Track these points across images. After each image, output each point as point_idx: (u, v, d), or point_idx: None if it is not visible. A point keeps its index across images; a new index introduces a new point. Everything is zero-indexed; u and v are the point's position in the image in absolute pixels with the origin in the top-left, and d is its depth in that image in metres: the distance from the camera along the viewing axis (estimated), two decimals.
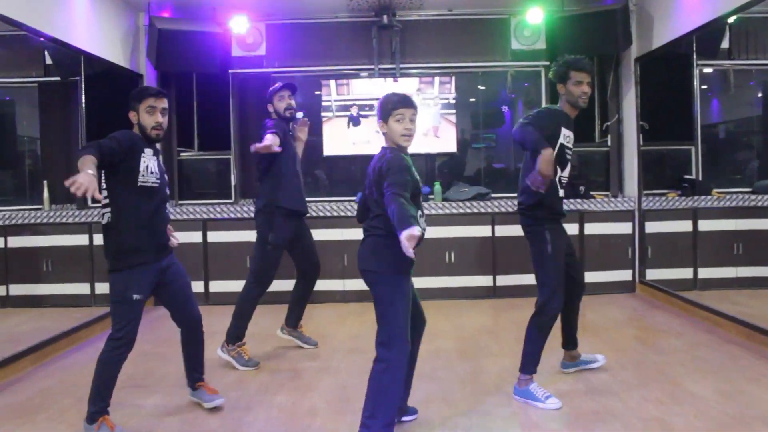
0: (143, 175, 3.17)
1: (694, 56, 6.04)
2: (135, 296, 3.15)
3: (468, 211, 6.28)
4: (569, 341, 3.93)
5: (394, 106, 2.87)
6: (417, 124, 2.93)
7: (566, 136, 3.56)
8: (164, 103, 3.29)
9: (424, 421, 3.28)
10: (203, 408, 3.50)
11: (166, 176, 3.37)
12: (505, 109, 7.25)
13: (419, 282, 6.26)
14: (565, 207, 3.69)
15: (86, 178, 2.63)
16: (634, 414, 3.27)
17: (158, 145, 3.33)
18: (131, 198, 3.16)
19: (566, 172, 3.62)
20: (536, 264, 3.60)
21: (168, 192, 3.39)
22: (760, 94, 6.69)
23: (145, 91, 3.28)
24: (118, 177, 3.13)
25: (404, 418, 3.25)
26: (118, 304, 3.15)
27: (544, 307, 3.55)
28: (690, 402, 3.40)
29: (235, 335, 4.25)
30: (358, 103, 6.73)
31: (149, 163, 3.21)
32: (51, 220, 6.02)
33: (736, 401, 3.38)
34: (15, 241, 6.02)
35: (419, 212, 2.86)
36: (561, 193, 3.61)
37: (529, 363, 3.59)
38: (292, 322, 4.68)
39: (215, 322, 4.44)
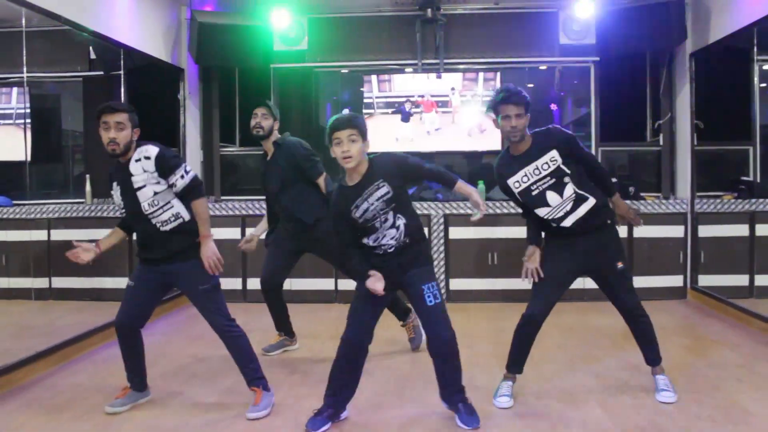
0: (119, 205, 3.39)
1: (754, 51, 5.72)
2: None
3: (512, 211, 6.08)
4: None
5: (330, 132, 2.98)
6: (358, 146, 2.99)
7: (517, 181, 3.38)
8: (119, 117, 3.24)
9: None
10: (235, 409, 3.43)
11: (146, 187, 3.30)
12: (553, 107, 7.03)
13: (460, 284, 6.18)
14: (569, 223, 3.40)
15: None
16: None
17: (140, 159, 3.26)
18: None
19: (553, 201, 3.36)
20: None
21: (149, 208, 3.31)
22: None
23: (100, 108, 3.26)
24: None
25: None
26: None
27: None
28: (747, 422, 3.17)
29: None
30: (401, 99, 6.60)
31: (114, 194, 3.38)
32: (92, 214, 6.06)
33: None
34: (58, 234, 6.07)
35: (377, 236, 3.09)
36: (562, 223, 3.40)
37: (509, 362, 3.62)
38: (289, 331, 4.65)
39: (252, 320, 4.37)
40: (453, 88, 6.54)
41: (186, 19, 6.37)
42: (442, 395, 3.27)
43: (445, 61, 6.61)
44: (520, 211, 3.68)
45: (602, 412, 3.34)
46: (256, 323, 4.32)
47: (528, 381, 3.81)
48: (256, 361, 3.49)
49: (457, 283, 6.20)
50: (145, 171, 3.26)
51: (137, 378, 3.52)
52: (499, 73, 6.53)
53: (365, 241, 3.13)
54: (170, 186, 3.29)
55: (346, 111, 7.11)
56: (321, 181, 4.28)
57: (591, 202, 3.37)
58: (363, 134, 3.01)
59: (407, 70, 6.70)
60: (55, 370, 4.16)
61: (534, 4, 6.52)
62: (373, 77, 6.64)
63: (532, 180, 3.36)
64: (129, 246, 5.91)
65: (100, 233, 5.90)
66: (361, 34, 6.74)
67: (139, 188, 3.28)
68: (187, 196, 3.32)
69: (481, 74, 6.57)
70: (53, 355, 4.23)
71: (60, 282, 6.08)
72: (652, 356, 3.59)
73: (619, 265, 3.44)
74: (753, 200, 5.90)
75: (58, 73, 6.57)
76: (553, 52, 6.58)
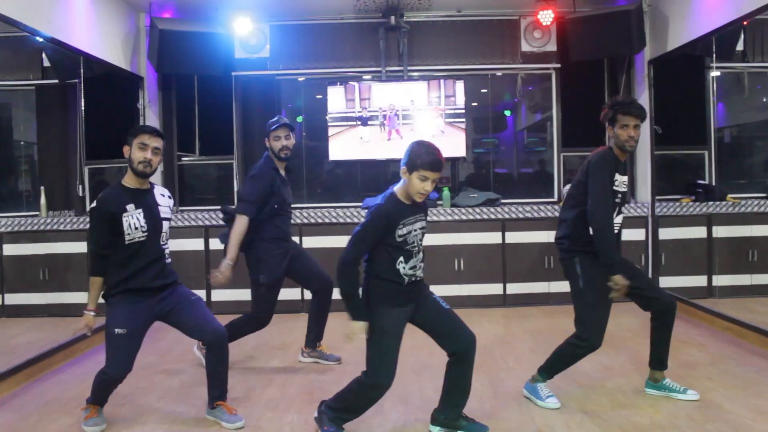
0: (128, 234, 3.26)
1: (713, 58, 5.90)
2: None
3: (477, 217, 6.13)
4: (654, 361, 3.71)
5: (428, 168, 2.90)
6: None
7: (618, 182, 3.47)
8: (158, 142, 3.34)
9: None
10: (217, 425, 3.34)
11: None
12: (507, 113, 7.11)
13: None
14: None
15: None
16: (664, 431, 3.12)
17: (164, 195, 3.64)
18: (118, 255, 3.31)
19: (617, 219, 3.50)
20: (572, 297, 3.55)
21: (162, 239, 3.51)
22: None
23: (141, 128, 3.34)
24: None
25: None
26: None
27: (581, 340, 3.48)
28: (723, 419, 3.24)
29: None
30: (365, 107, 6.56)
31: (131, 218, 3.28)
32: (48, 227, 5.84)
33: None
34: (11, 249, 5.85)
35: (415, 264, 3.06)
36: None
37: (550, 370, 3.60)
38: (311, 343, 4.51)
39: None
40: (412, 101, 6.52)
41: (145, 26, 6.22)
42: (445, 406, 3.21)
43: (409, 67, 6.62)
44: (485, 217, 3.72)
45: (584, 415, 3.37)
46: None
47: (505, 385, 3.83)
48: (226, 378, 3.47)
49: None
50: (169, 208, 3.67)
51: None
52: (463, 81, 6.54)
53: (400, 266, 2.98)
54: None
55: (299, 119, 7.04)
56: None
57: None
58: None
59: (369, 77, 6.67)
60: (18, 391, 3.98)
61: (496, 12, 6.59)
62: (340, 87, 6.57)
63: (621, 189, 3.50)
64: (88, 261, 5.74)
65: (58, 247, 5.81)
66: (324, 42, 6.70)
67: (166, 219, 3.57)
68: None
69: (442, 81, 6.55)
70: (15, 375, 4.04)
71: (13, 299, 5.85)
72: (663, 358, 3.71)
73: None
74: (710, 203, 6.06)
75: (8, 81, 6.35)
76: (516, 58, 6.66)
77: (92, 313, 3.27)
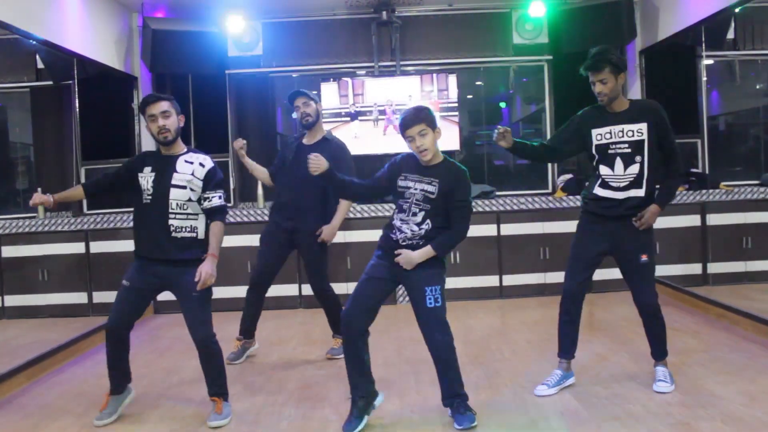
0: (144, 191, 3.35)
1: (703, 47, 5.89)
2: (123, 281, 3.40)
3: (484, 210, 6.14)
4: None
5: (402, 131, 3.16)
6: (430, 137, 3.16)
7: (599, 134, 3.50)
8: (164, 106, 3.32)
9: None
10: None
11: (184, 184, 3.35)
12: (503, 105, 7.14)
13: None
14: (616, 195, 3.49)
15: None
16: (658, 419, 3.15)
17: (193, 162, 3.37)
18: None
19: (616, 170, 3.47)
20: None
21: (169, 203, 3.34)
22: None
23: (144, 101, 3.35)
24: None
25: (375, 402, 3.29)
26: None
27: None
28: (716, 405, 3.28)
29: None
30: (358, 103, 6.58)
31: (143, 179, 3.35)
32: (46, 229, 5.87)
33: (764, 403, 3.26)
34: (9, 251, 5.87)
35: (403, 219, 3.23)
36: (604, 192, 3.52)
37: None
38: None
39: (217, 329, 4.29)
40: (410, 96, 6.54)
41: (138, 26, 6.24)
42: (442, 395, 3.28)
43: (402, 62, 6.64)
44: (479, 210, 3.76)
45: (578, 404, 3.41)
46: (221, 333, 4.25)
47: (501, 376, 3.87)
48: (225, 376, 3.47)
49: None
50: (192, 175, 3.34)
51: (122, 380, 3.47)
52: (456, 74, 6.55)
53: (394, 217, 3.23)
54: (202, 200, 3.36)
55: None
56: (346, 206, 4.36)
57: (641, 193, 3.46)
58: (432, 125, 3.12)
59: (363, 72, 6.69)
60: (19, 392, 4.01)
61: (487, 5, 6.62)
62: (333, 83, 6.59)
63: (613, 139, 3.48)
64: (87, 261, 5.79)
65: (55, 248, 5.84)
66: (316, 38, 6.73)
67: (177, 186, 3.32)
68: (211, 215, 3.38)
69: (434, 75, 6.56)
70: (16, 376, 4.07)
71: (13, 300, 5.88)
72: (658, 352, 3.68)
73: (643, 257, 3.52)
74: (703, 191, 6.10)
75: (2, 84, 6.37)
76: (508, 51, 6.69)
77: (51, 198, 3.39)
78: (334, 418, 3.35)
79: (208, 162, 3.40)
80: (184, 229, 3.34)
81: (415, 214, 3.14)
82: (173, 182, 3.31)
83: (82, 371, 4.40)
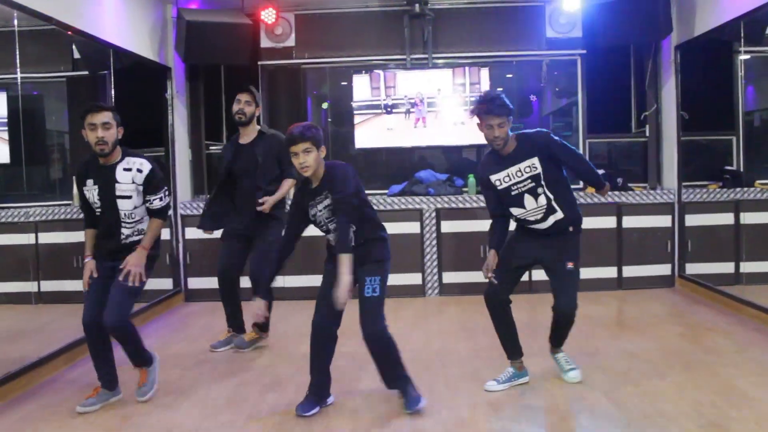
0: (94, 203, 3.49)
1: (741, 42, 5.76)
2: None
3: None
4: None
5: (286, 146, 3.18)
6: (314, 155, 3.17)
7: (499, 179, 3.54)
8: (104, 117, 3.38)
9: (472, 427, 3.17)
10: (246, 403, 3.43)
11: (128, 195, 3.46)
12: (533, 98, 7.08)
13: (453, 277, 6.21)
14: (538, 227, 3.58)
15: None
16: (689, 418, 3.13)
17: (131, 169, 3.46)
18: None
19: (528, 205, 3.54)
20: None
21: (124, 211, 3.48)
22: None
23: (85, 109, 3.40)
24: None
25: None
26: None
27: None
28: (749, 406, 3.25)
29: None
30: (390, 95, 6.57)
31: (89, 193, 3.48)
32: (80, 216, 5.94)
33: None
34: (46, 237, 5.98)
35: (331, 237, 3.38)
36: (531, 225, 3.59)
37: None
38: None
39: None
40: (439, 90, 6.53)
41: (172, 17, 6.29)
42: (383, 381, 3.42)
43: (434, 55, 6.63)
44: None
45: (608, 402, 3.40)
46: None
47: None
48: (142, 348, 3.61)
49: (450, 277, 6.24)
50: (133, 182, 3.45)
51: (108, 376, 3.56)
52: (488, 68, 6.51)
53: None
54: (145, 202, 3.51)
55: (325, 105, 7.13)
56: (289, 183, 4.45)
57: (559, 215, 3.55)
58: (317, 144, 3.16)
59: (394, 65, 6.68)
60: (57, 375, 4.12)
61: None
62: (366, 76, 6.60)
63: (513, 181, 3.53)
64: None
65: None
66: (348, 30, 6.73)
67: (122, 197, 3.45)
68: (154, 214, 3.56)
69: (467, 69, 6.53)
70: (53, 361, 4.18)
71: (49, 286, 5.99)
72: (559, 342, 3.80)
73: (569, 265, 3.58)
74: (738, 189, 6.01)
75: (40, 73, 6.47)
76: (540, 45, 6.63)
77: (90, 258, 3.54)
78: (364, 407, 3.39)
79: (146, 165, 3.49)
80: (133, 234, 3.54)
81: (333, 230, 3.26)
82: (118, 193, 3.44)
83: (118, 355, 4.47)
